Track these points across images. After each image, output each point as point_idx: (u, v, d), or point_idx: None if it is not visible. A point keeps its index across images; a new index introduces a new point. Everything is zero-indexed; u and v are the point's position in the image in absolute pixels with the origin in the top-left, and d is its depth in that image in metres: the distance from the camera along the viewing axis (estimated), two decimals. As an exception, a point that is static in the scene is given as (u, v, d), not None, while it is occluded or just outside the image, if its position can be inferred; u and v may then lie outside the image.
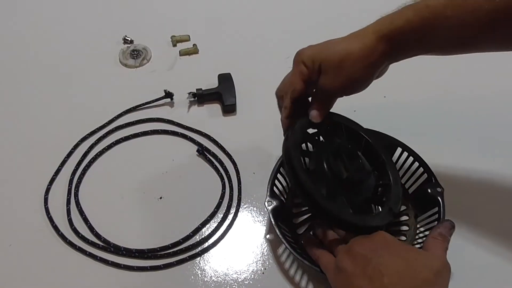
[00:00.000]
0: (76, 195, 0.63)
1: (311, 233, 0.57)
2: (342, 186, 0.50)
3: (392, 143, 0.60)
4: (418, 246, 0.55)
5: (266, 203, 0.55)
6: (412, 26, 0.45)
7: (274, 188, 0.58)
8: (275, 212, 0.54)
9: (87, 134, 0.70)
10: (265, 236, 0.60)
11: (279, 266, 0.57)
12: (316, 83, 0.51)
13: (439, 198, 0.55)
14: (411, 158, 0.60)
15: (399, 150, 0.60)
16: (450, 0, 0.44)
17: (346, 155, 0.52)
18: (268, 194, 0.56)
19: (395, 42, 0.46)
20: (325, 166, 0.50)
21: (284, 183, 0.60)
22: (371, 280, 0.43)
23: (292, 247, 0.52)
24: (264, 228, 0.61)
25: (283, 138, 0.59)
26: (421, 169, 0.58)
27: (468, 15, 0.43)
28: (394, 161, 0.59)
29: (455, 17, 0.44)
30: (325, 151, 0.52)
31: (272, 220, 0.54)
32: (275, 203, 0.55)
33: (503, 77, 0.75)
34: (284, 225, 0.56)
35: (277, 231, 0.53)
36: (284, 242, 0.53)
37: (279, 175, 0.59)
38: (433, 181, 0.57)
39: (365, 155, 0.55)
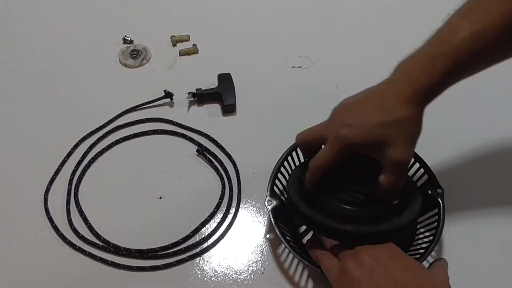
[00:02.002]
0: (75, 195, 0.63)
1: (311, 232, 0.57)
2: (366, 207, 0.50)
3: None
4: (417, 249, 0.55)
5: (266, 202, 0.55)
6: (450, 75, 0.46)
7: (275, 187, 0.58)
8: (275, 211, 0.54)
9: (87, 134, 0.70)
10: (264, 236, 0.60)
11: (279, 266, 0.57)
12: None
13: (439, 199, 0.55)
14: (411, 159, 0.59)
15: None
16: (474, 32, 0.44)
17: (350, 182, 0.52)
18: (268, 193, 0.56)
19: (435, 93, 0.47)
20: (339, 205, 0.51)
21: (285, 183, 0.60)
22: (378, 287, 0.43)
23: (291, 247, 0.52)
24: (264, 228, 0.61)
25: (282, 138, 0.59)
26: (422, 170, 0.58)
27: (492, 36, 0.44)
28: None
29: (483, 47, 0.45)
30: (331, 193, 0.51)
31: (272, 219, 0.54)
32: (275, 203, 0.55)
33: (503, 76, 0.75)
34: (284, 225, 0.56)
35: (277, 230, 0.53)
36: (284, 242, 0.53)
37: (279, 175, 0.59)
38: (434, 182, 0.57)
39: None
